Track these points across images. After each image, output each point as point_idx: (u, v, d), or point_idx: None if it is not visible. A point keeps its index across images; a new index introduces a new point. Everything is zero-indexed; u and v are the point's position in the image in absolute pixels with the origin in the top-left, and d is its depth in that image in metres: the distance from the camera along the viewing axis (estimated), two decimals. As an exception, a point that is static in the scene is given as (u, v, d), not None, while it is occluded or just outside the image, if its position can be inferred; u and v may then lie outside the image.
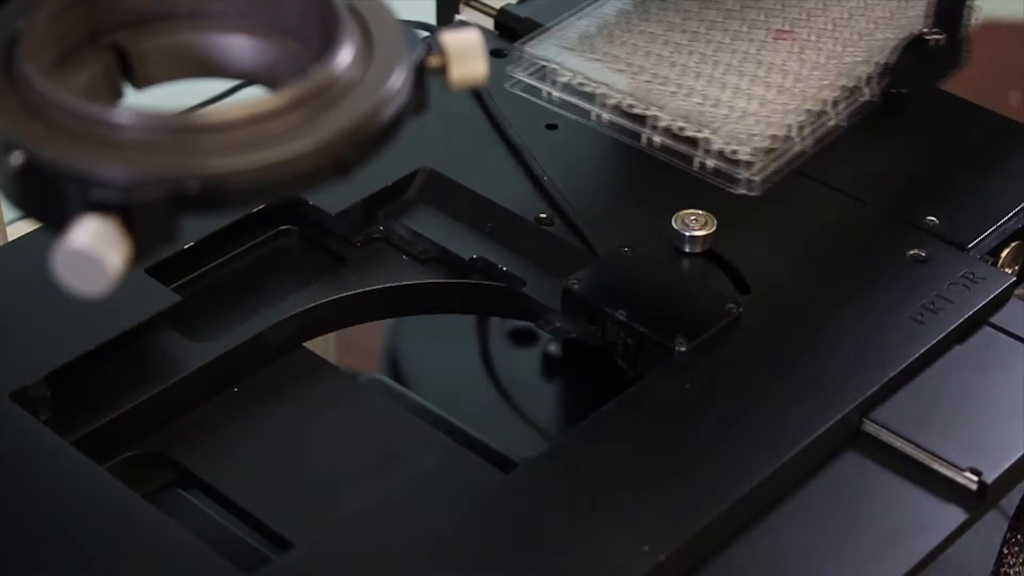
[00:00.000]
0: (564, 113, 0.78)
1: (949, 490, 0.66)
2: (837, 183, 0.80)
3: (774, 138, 0.75)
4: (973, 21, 0.85)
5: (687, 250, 0.75)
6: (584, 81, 0.78)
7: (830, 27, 0.83)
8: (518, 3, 0.88)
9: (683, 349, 0.70)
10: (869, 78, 0.80)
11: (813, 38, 0.82)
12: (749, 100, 0.77)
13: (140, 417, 0.69)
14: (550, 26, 0.82)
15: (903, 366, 0.70)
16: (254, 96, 0.52)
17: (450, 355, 1.00)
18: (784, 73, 0.79)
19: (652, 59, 0.80)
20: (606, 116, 0.77)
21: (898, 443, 0.68)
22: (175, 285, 0.74)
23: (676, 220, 0.75)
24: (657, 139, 0.75)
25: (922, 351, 0.70)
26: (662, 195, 0.76)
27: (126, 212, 0.49)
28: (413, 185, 0.80)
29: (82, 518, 0.63)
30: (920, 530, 0.65)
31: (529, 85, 0.79)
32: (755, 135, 0.75)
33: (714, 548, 0.63)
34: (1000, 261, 0.78)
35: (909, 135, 0.84)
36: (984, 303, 0.73)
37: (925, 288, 0.74)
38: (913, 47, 0.82)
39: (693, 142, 0.75)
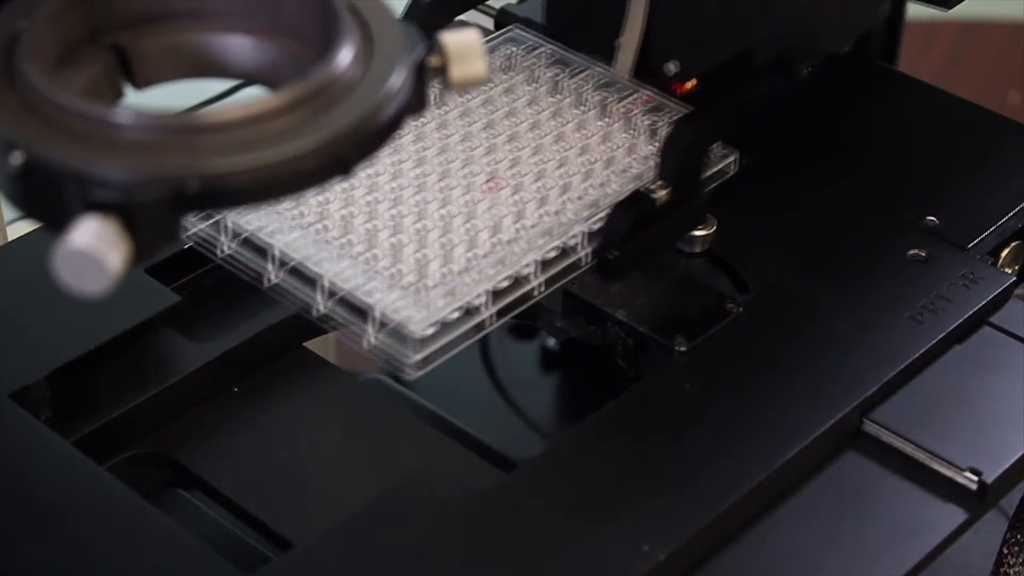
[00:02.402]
0: (242, 275, 0.66)
1: (949, 490, 0.66)
2: (836, 183, 0.80)
3: (461, 310, 0.64)
4: (730, 171, 0.73)
5: (687, 250, 0.75)
6: (257, 233, 0.66)
7: (552, 174, 0.70)
8: (518, 3, 0.88)
9: (683, 349, 0.70)
10: (585, 237, 0.68)
11: (532, 187, 0.70)
12: (443, 262, 0.66)
13: (140, 417, 0.69)
14: None
15: (903, 366, 0.70)
16: (254, 96, 0.52)
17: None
18: (490, 229, 0.67)
19: (346, 206, 0.68)
20: (278, 279, 0.65)
21: (898, 443, 0.68)
22: (175, 285, 0.74)
23: (676, 220, 0.75)
24: (325, 308, 0.64)
25: (922, 351, 0.70)
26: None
27: (126, 212, 0.49)
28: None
29: (82, 518, 0.63)
30: (920, 530, 0.65)
31: (201, 239, 0.67)
32: (437, 307, 0.64)
33: (714, 548, 0.63)
34: (1000, 261, 0.78)
35: (909, 135, 0.84)
36: (984, 303, 0.73)
37: (925, 288, 0.74)
38: (636, 203, 0.69)
39: (363, 313, 0.64)
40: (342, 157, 0.52)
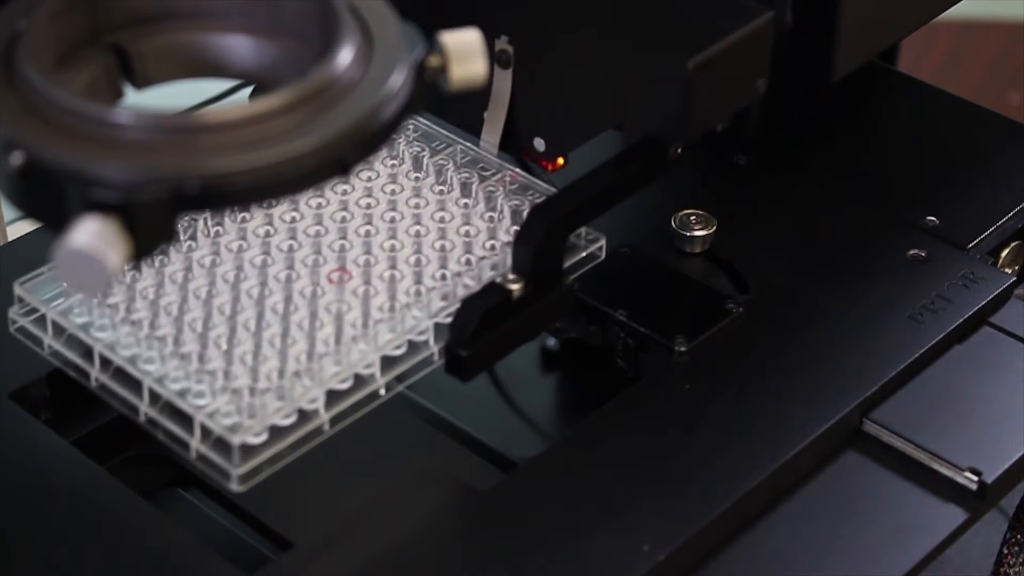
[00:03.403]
0: (69, 374, 0.62)
1: (949, 490, 0.66)
2: (837, 183, 0.80)
3: (295, 415, 0.59)
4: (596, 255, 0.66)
5: (687, 250, 0.75)
6: (81, 331, 0.61)
7: (405, 263, 0.65)
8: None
9: (683, 349, 0.70)
10: (434, 332, 0.63)
11: (382, 276, 0.64)
12: (279, 362, 0.60)
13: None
14: None
15: (903, 366, 0.70)
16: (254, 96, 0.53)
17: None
18: (332, 325, 0.62)
19: (182, 299, 0.63)
20: (104, 381, 0.61)
21: (898, 443, 0.68)
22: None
23: (676, 220, 0.75)
24: (151, 413, 0.59)
25: (922, 351, 0.70)
26: (662, 195, 0.76)
27: (126, 212, 0.49)
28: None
29: (82, 518, 0.63)
30: (920, 530, 0.65)
31: (29, 332, 0.63)
32: (268, 412, 0.59)
33: (714, 548, 0.63)
34: (1000, 261, 0.78)
35: (909, 135, 0.84)
36: (984, 303, 0.73)
37: (925, 288, 0.74)
38: (489, 297, 0.63)
39: (189, 420, 0.59)
40: (342, 157, 0.52)
